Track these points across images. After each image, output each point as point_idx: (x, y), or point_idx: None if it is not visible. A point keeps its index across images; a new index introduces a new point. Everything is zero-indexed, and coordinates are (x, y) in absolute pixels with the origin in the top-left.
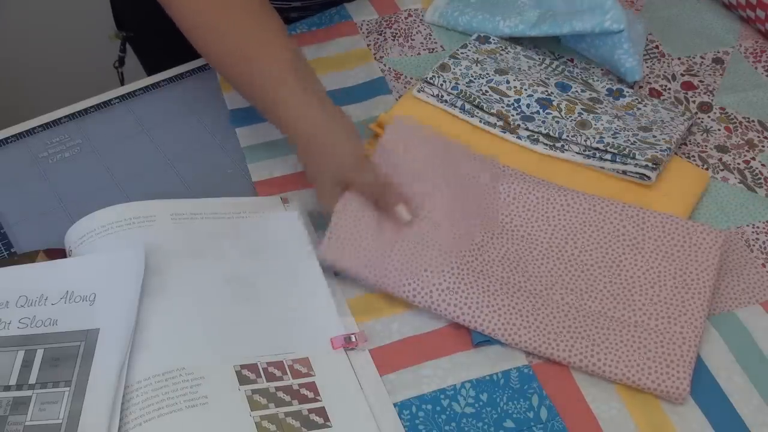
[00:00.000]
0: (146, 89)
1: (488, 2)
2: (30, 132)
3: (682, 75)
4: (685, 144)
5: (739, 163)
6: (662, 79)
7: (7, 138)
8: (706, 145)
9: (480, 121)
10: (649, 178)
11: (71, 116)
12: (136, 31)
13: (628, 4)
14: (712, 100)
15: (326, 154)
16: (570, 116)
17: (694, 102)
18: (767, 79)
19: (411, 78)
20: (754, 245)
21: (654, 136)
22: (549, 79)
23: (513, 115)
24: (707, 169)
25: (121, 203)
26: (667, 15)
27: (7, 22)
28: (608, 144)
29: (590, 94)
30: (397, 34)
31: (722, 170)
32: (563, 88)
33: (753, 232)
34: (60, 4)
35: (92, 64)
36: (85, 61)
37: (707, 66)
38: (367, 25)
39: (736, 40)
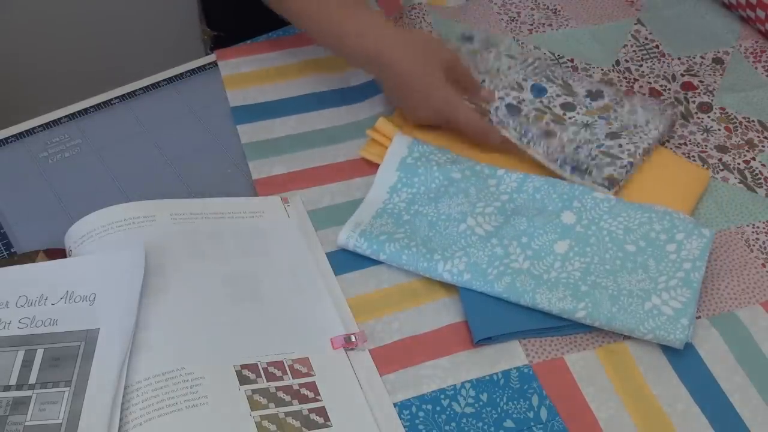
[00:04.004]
0: (146, 89)
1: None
2: (30, 132)
3: (682, 75)
4: (685, 144)
5: (739, 163)
6: (662, 79)
7: (7, 138)
8: (706, 145)
9: None
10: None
11: (71, 116)
12: (226, 30)
13: (628, 4)
14: (712, 100)
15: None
16: (538, 123)
17: (694, 102)
18: (767, 79)
19: None
20: (754, 245)
21: (620, 145)
22: (526, 80)
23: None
24: (707, 169)
25: (121, 203)
26: (667, 15)
27: (7, 22)
28: (567, 156)
29: (565, 99)
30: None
31: (722, 170)
32: (538, 92)
33: (753, 232)
34: (60, 4)
35: (92, 64)
36: (86, 61)
37: (707, 66)
38: None
39: (736, 40)
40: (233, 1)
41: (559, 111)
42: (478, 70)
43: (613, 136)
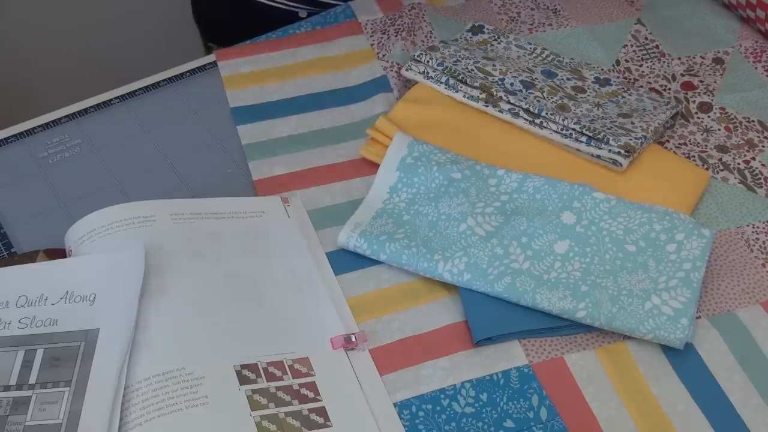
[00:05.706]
0: (146, 89)
1: (426, 237)
2: (30, 132)
3: (682, 75)
4: (685, 144)
5: (739, 163)
6: (662, 79)
7: (7, 138)
8: (706, 145)
9: (464, 96)
10: (620, 164)
11: (71, 116)
12: (228, 42)
13: (628, 4)
14: (712, 100)
15: None
16: (551, 98)
17: (694, 102)
18: (767, 79)
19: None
20: (754, 245)
21: (632, 123)
22: (536, 67)
23: (496, 88)
24: (707, 169)
25: (121, 203)
26: (667, 15)
27: (7, 22)
28: (584, 126)
29: (575, 83)
30: (400, 29)
31: (722, 170)
32: (549, 75)
33: (753, 232)
34: (60, 3)
35: (92, 64)
36: (86, 61)
37: (707, 66)
38: (372, 24)
39: (736, 40)
40: (225, 11)
41: (570, 92)
42: (488, 56)
43: (624, 116)
